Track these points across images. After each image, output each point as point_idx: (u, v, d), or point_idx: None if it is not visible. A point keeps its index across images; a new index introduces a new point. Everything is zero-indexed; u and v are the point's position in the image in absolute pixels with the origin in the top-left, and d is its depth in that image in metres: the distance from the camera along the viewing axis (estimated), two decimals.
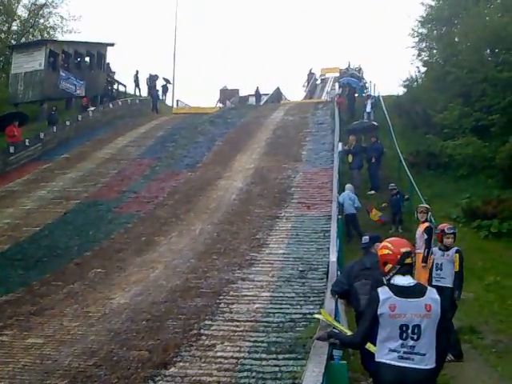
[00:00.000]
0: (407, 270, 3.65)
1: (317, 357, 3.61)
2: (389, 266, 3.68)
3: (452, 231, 7.45)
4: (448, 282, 7.10)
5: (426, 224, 9.00)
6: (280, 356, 6.22)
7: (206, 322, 7.30)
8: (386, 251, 3.72)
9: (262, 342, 6.61)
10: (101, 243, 11.42)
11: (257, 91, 33.74)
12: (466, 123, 16.91)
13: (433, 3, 22.96)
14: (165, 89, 31.65)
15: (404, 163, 15.63)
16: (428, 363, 3.50)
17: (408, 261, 3.64)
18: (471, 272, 9.85)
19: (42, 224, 12.74)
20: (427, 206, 9.73)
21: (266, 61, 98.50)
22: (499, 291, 9.23)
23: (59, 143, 20.30)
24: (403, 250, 3.66)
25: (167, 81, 32.01)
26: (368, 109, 21.16)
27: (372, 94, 23.27)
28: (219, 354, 6.42)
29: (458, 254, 7.12)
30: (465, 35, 19.38)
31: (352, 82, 25.84)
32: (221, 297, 8.14)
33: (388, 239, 3.90)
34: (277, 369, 5.97)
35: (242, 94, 35.77)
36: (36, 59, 24.66)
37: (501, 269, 10.07)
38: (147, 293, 8.62)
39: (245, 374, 5.92)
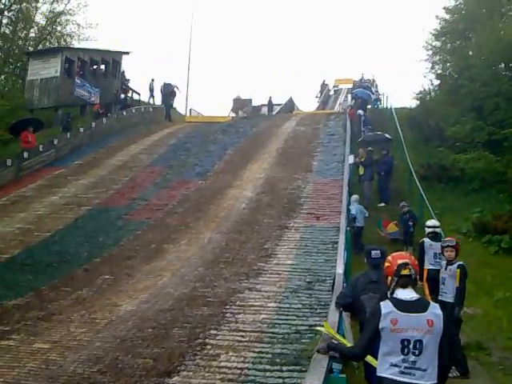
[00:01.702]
0: (406, 281, 3.64)
1: (316, 370, 3.61)
2: (389, 278, 3.69)
3: (449, 244, 7.36)
4: (450, 298, 7.04)
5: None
6: (284, 368, 6.20)
7: (212, 332, 7.30)
8: (387, 264, 3.76)
9: (267, 353, 6.60)
10: (110, 250, 11.50)
11: (269, 101, 33.85)
12: (478, 137, 16.80)
13: (447, 16, 22.94)
14: (173, 94, 31.53)
15: (415, 176, 15.56)
16: (429, 379, 3.48)
17: (405, 272, 3.63)
18: (480, 287, 9.79)
19: (52, 229, 12.87)
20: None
21: (279, 71, 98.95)
22: (508, 307, 9.12)
23: (72, 149, 20.51)
24: (400, 261, 3.67)
25: (175, 86, 31.96)
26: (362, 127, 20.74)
27: (362, 112, 22.45)
28: (223, 363, 6.42)
29: (459, 270, 7.04)
30: (478, 49, 19.31)
31: (363, 94, 25.79)
32: (227, 306, 8.15)
33: (392, 253, 3.93)
34: (281, 380, 5.96)
35: (254, 103, 35.91)
36: (52, 66, 25.04)
37: (510, 285, 9.96)
38: (154, 300, 8.65)
39: None
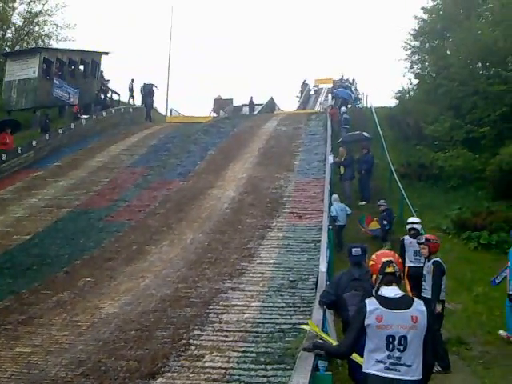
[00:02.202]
0: (390, 279, 3.69)
1: (302, 368, 3.62)
2: (374, 276, 3.74)
3: (419, 241, 7.57)
4: (429, 294, 7.12)
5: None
6: (269, 366, 6.22)
7: (196, 332, 7.29)
8: (371, 262, 3.81)
9: (251, 352, 6.62)
10: (91, 252, 11.38)
11: (251, 101, 33.87)
12: (456, 135, 17.05)
13: (425, 17, 23.19)
14: (151, 93, 31.14)
15: (395, 174, 15.72)
16: (414, 374, 3.53)
17: (389, 270, 3.69)
18: (460, 283, 9.94)
19: (32, 232, 12.69)
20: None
21: (260, 71, 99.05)
22: (487, 302, 9.27)
23: (51, 151, 20.24)
24: (384, 259, 3.72)
25: (153, 85, 31.60)
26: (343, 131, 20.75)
27: (344, 109, 22.47)
28: (208, 364, 6.41)
29: (433, 266, 7.15)
30: (456, 49, 19.57)
31: (343, 94, 25.96)
32: (210, 306, 8.14)
33: (376, 252, 3.99)
34: (265, 379, 5.98)
35: (235, 103, 35.90)
36: (30, 67, 24.67)
37: (489, 280, 10.12)
38: (137, 302, 8.59)
39: None
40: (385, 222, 12.57)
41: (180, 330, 7.37)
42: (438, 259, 7.24)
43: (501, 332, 8.04)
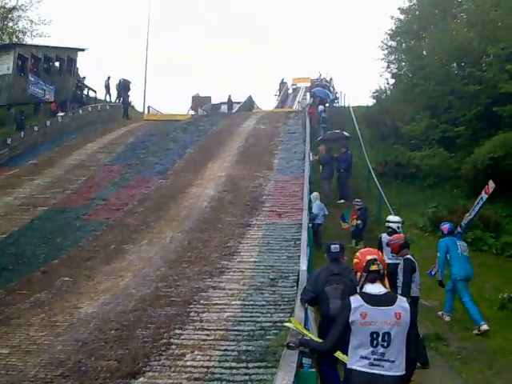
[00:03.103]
0: (374, 277, 3.74)
1: (287, 365, 3.65)
2: (358, 274, 3.78)
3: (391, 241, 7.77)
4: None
5: None
6: (250, 365, 6.25)
7: (176, 331, 7.27)
8: (356, 260, 3.85)
9: (233, 350, 6.63)
10: (68, 251, 11.24)
11: (229, 99, 33.76)
12: (432, 134, 17.29)
13: (402, 17, 23.45)
14: (127, 89, 30.63)
15: (373, 173, 15.88)
16: (397, 370, 3.58)
17: (373, 268, 3.73)
18: (437, 280, 10.06)
19: (7, 231, 12.50)
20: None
21: (238, 69, 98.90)
22: None
23: (27, 149, 19.93)
24: (368, 257, 3.77)
25: (129, 82, 31.10)
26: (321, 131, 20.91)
27: (322, 107, 22.67)
28: (189, 363, 6.41)
29: (403, 263, 7.26)
30: (432, 49, 19.83)
31: (321, 93, 26.11)
32: (191, 305, 8.12)
33: (360, 250, 4.04)
34: (247, 377, 6.00)
35: (214, 101, 35.73)
36: (4, 63, 24.23)
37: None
38: (116, 302, 8.52)
39: (215, 383, 5.94)
40: (358, 222, 12.72)
41: (160, 329, 7.34)
42: (408, 257, 7.35)
43: (439, 313, 8.77)
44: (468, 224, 10.48)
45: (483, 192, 10.03)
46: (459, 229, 10.09)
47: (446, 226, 9.19)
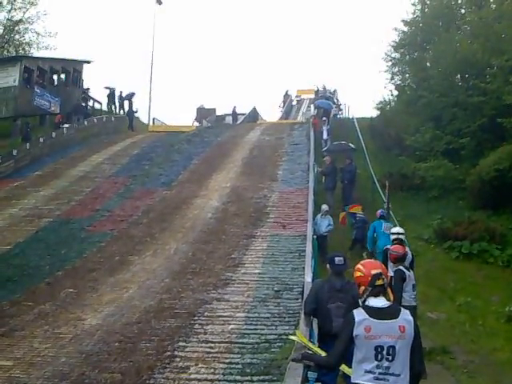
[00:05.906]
0: (379, 291, 3.70)
1: (291, 379, 3.62)
2: (362, 287, 3.73)
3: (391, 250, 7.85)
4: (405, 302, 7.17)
5: None
6: (255, 378, 6.20)
7: (180, 344, 7.23)
8: (359, 273, 3.77)
9: (237, 363, 6.59)
10: (73, 262, 11.23)
11: (233, 111, 33.85)
12: (437, 146, 17.29)
13: (405, 29, 23.54)
14: (131, 101, 30.73)
15: (378, 185, 15.85)
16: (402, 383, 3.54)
17: (379, 282, 3.69)
18: (443, 292, 10.05)
19: (12, 242, 12.50)
20: None
21: (243, 81, 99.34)
22: (470, 312, 9.38)
23: (32, 160, 20.00)
24: (374, 271, 3.72)
25: (132, 93, 31.28)
26: (325, 136, 20.95)
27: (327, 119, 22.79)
28: (193, 376, 6.36)
29: (394, 274, 7.25)
30: (436, 60, 19.91)
31: (325, 105, 26.15)
32: (195, 317, 8.08)
33: (362, 262, 3.96)
34: None
35: (218, 113, 35.84)
36: (10, 75, 24.42)
37: (471, 289, 10.25)
38: (120, 313, 8.50)
39: None
40: (354, 232, 12.90)
41: (164, 341, 7.31)
42: (400, 268, 7.36)
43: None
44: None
45: None
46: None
47: (378, 212, 11.98)
